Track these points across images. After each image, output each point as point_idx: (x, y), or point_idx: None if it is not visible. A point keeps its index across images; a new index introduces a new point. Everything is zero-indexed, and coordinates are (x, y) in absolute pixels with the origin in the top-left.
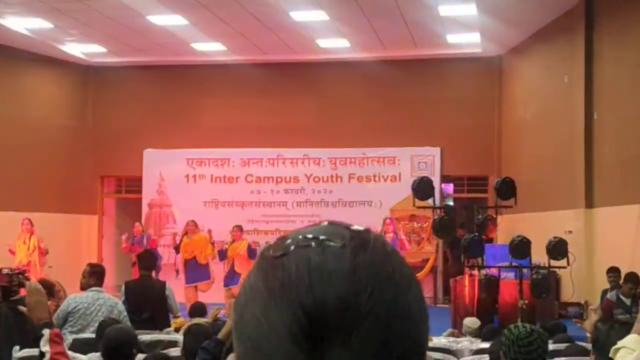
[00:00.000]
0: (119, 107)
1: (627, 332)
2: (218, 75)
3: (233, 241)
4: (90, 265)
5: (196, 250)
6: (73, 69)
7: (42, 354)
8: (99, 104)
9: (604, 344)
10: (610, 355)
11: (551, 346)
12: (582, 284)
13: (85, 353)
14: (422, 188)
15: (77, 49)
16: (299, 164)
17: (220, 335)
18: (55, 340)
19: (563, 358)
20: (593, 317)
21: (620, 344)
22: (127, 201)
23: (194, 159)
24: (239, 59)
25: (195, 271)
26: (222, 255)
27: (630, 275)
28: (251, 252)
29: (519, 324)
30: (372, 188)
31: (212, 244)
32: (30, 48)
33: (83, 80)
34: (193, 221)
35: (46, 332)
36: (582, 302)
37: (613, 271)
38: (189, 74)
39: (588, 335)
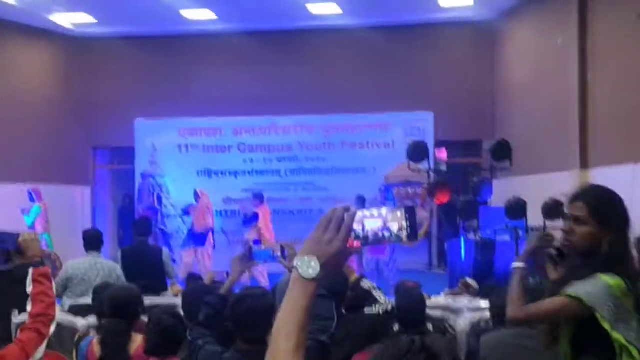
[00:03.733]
0: (108, 78)
1: None
2: (208, 44)
3: None
4: (85, 231)
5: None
6: (61, 40)
7: (28, 296)
8: (88, 75)
9: None
10: None
11: None
12: None
13: (83, 317)
14: (417, 151)
15: (65, 19)
16: (291, 132)
17: (222, 291)
18: (38, 280)
19: None
20: None
21: None
22: (120, 172)
23: (186, 129)
24: (229, 27)
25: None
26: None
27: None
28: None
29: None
30: (365, 155)
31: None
32: (18, 19)
33: (71, 52)
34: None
35: (29, 271)
36: None
37: None
38: (179, 44)
39: None
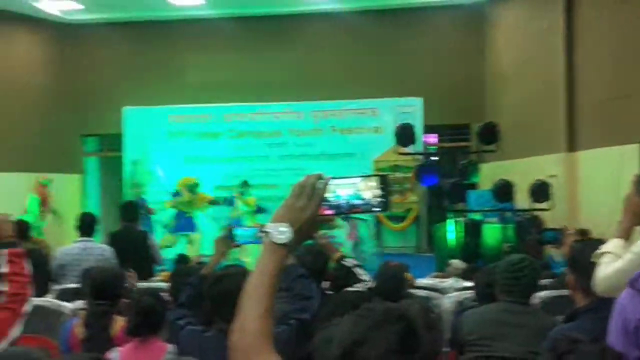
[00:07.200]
0: (97, 65)
1: None
2: (196, 30)
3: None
4: (81, 214)
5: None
6: (49, 27)
7: (1, 275)
8: (77, 63)
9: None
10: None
11: None
12: None
13: (70, 302)
14: (405, 134)
15: (53, 6)
16: (280, 118)
17: (203, 271)
18: (13, 260)
19: (548, 291)
20: (570, 240)
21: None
22: (109, 159)
23: (175, 116)
24: (217, 13)
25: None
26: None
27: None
28: None
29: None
30: (354, 140)
31: None
32: (4, 6)
33: (60, 39)
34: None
35: (3, 252)
36: (562, 227)
37: None
38: (166, 30)
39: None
